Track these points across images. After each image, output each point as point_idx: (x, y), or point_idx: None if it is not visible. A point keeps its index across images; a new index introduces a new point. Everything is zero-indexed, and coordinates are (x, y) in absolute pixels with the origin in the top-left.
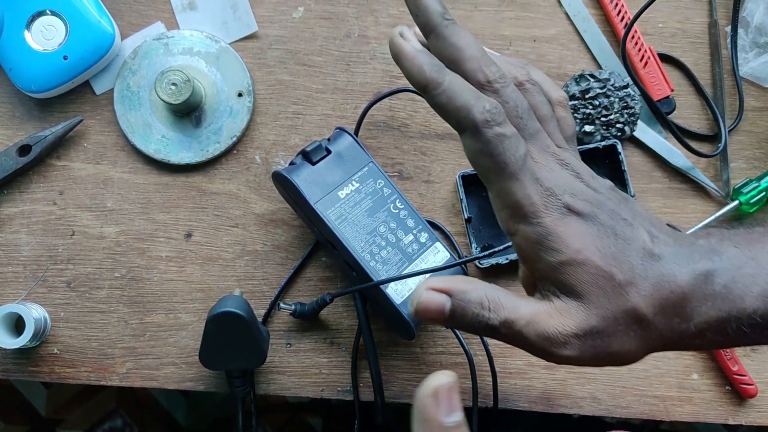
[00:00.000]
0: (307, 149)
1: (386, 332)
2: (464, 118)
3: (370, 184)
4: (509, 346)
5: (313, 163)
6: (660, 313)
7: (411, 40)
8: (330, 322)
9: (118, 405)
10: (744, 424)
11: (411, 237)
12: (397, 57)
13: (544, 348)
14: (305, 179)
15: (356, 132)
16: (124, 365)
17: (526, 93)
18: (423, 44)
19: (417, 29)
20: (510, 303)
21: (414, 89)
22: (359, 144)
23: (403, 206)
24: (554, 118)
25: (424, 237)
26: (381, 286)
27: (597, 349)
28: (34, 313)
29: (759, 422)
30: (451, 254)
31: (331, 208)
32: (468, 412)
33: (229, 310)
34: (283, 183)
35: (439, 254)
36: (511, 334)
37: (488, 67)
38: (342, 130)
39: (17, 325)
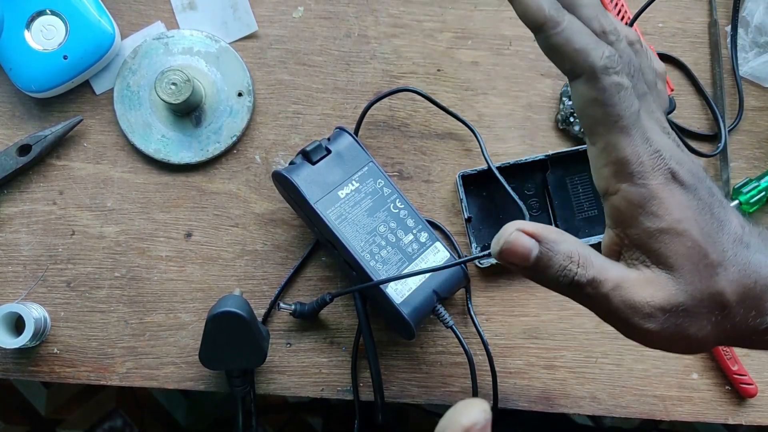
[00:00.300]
0: (307, 149)
1: (386, 332)
2: (582, 62)
3: (370, 184)
4: (510, 345)
5: (313, 163)
6: (741, 303)
7: None
8: (330, 321)
9: (118, 405)
10: (744, 423)
11: (411, 237)
12: None
13: (627, 317)
14: (305, 179)
15: (356, 132)
16: (124, 365)
17: (637, 54)
18: None
19: None
20: (599, 263)
21: (414, 89)
22: (359, 143)
23: (403, 206)
24: (656, 87)
25: (424, 237)
26: (381, 286)
27: (677, 328)
28: (34, 312)
29: (759, 422)
30: (451, 254)
31: (331, 208)
32: None
33: (228, 310)
34: (283, 183)
35: (439, 254)
36: (596, 295)
37: (605, 17)
38: (342, 129)
39: (17, 324)
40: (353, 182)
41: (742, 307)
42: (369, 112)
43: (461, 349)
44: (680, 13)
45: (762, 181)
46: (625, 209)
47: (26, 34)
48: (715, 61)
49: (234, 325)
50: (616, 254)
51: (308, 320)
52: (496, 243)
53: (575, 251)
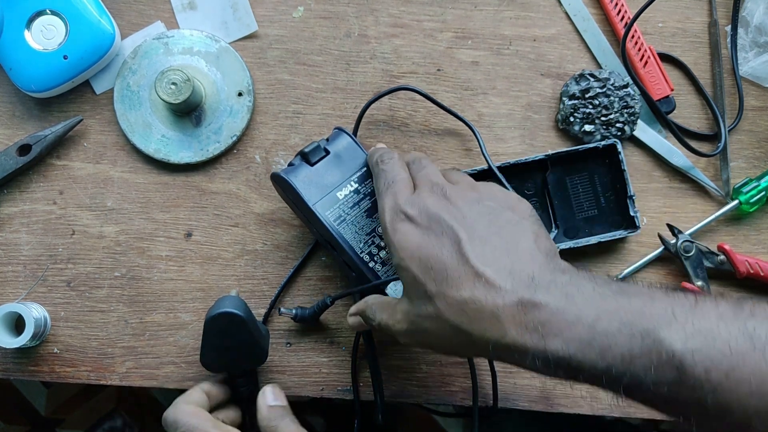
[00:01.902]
0: (306, 150)
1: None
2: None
3: (369, 185)
4: None
5: (312, 164)
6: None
7: None
8: (330, 321)
9: (118, 405)
10: None
11: None
12: None
13: (388, 330)
14: (303, 180)
15: (355, 132)
16: (124, 365)
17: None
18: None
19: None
20: (373, 306)
21: (413, 88)
22: (358, 144)
23: None
24: (420, 163)
25: None
26: (381, 287)
27: (417, 337)
28: (34, 312)
29: None
30: None
31: (329, 209)
32: (468, 411)
33: (226, 311)
34: (281, 184)
35: None
36: (377, 327)
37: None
38: (340, 130)
39: (17, 324)
40: (352, 183)
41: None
42: (368, 112)
43: None
44: (680, 13)
45: (762, 181)
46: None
47: (26, 34)
48: (715, 61)
49: (232, 326)
50: None
51: (309, 324)
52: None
53: (359, 310)
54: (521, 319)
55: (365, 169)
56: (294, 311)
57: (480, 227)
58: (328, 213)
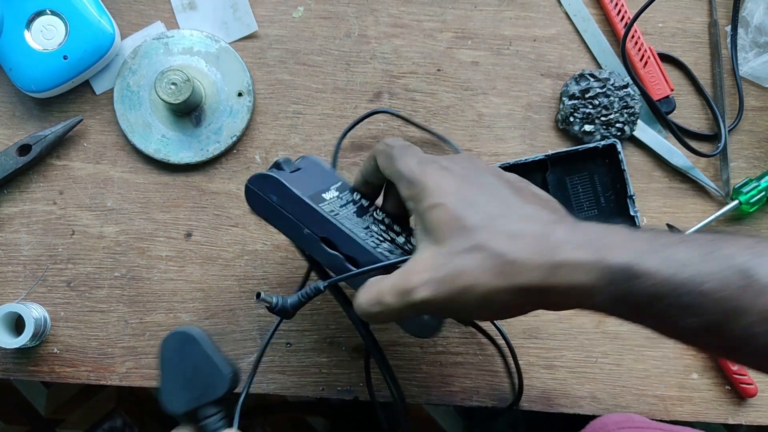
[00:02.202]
0: (279, 161)
1: (386, 332)
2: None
3: (347, 195)
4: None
5: (289, 173)
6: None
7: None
8: (330, 321)
9: (118, 405)
10: (744, 423)
11: (403, 238)
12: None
13: (402, 301)
14: (289, 180)
15: (333, 162)
16: (124, 365)
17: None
18: None
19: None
20: (384, 281)
21: (387, 110)
22: (328, 165)
23: (384, 215)
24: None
25: (401, 240)
26: (394, 267)
27: (450, 285)
28: (34, 312)
29: (759, 422)
30: None
31: (320, 204)
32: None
33: (179, 329)
34: (262, 188)
35: None
36: (381, 308)
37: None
38: (307, 156)
39: (17, 324)
40: (333, 190)
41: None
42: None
43: (460, 349)
44: (680, 13)
45: (762, 181)
46: (411, 207)
47: (26, 34)
48: (715, 61)
49: (187, 345)
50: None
51: (288, 317)
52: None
53: (367, 292)
54: (575, 239)
55: (340, 183)
56: (275, 299)
57: (505, 180)
58: (321, 205)
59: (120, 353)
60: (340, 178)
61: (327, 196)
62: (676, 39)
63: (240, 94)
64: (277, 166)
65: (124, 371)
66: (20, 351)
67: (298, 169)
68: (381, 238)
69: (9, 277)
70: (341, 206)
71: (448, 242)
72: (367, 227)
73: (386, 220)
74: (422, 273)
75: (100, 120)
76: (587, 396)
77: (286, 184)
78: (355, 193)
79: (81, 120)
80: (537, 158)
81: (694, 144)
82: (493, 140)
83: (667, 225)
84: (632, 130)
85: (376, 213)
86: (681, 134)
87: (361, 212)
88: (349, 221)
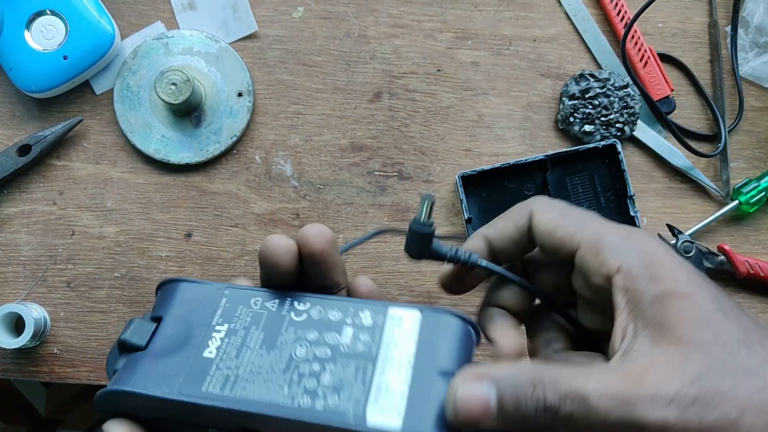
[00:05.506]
0: (125, 337)
1: None
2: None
3: (244, 313)
4: None
5: (144, 348)
6: None
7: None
8: None
9: None
10: None
11: (350, 330)
12: None
13: (626, 415)
14: (144, 375)
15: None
16: None
17: None
18: None
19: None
20: (569, 371)
21: (391, 229)
22: (199, 282)
23: (307, 303)
24: None
25: (367, 316)
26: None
27: (700, 414)
28: (34, 313)
29: None
30: (416, 305)
31: (203, 382)
32: None
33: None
34: (120, 408)
35: (404, 320)
36: (577, 406)
37: None
38: (166, 282)
39: (17, 324)
40: (217, 329)
41: None
42: (370, 113)
43: None
44: (680, 13)
45: (762, 181)
46: (625, 283)
47: (26, 34)
48: (715, 61)
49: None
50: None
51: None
52: (449, 409)
53: (535, 373)
54: None
55: (225, 300)
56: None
57: None
58: (204, 387)
59: None
60: (220, 290)
61: (211, 350)
62: (676, 39)
63: (240, 95)
64: (124, 347)
65: None
66: (20, 351)
67: (160, 318)
68: (317, 365)
69: (9, 278)
70: (238, 353)
71: (703, 349)
72: (289, 361)
73: (314, 312)
74: (664, 380)
75: (100, 120)
76: None
77: (143, 393)
78: (252, 301)
79: (81, 120)
80: (537, 158)
81: (694, 144)
82: (493, 140)
83: (667, 225)
84: (632, 130)
85: (296, 305)
86: (681, 134)
87: (273, 332)
88: (257, 381)
